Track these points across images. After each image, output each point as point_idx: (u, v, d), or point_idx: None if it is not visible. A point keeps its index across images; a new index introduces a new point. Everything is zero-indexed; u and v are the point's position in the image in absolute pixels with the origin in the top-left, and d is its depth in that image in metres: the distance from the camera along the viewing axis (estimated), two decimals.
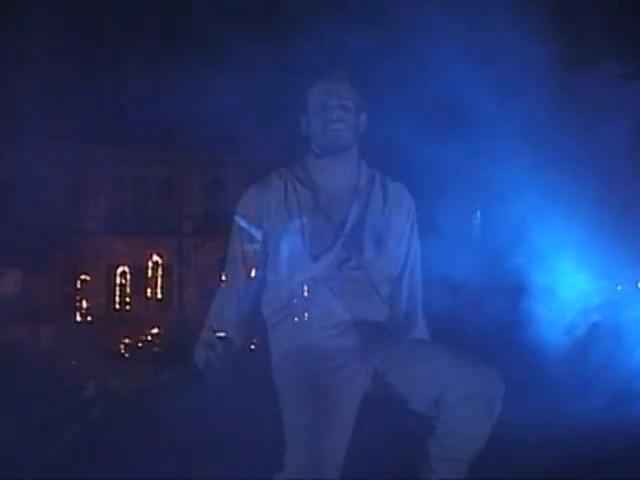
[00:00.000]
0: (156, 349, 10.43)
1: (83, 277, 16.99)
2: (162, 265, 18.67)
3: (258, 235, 2.98)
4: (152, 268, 18.17)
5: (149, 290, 17.53)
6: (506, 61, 6.01)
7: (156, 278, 18.17)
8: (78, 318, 13.06)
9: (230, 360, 2.95)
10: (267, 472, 2.55)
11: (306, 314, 2.87)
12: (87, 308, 14.51)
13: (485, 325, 7.12)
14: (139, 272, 17.91)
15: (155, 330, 11.87)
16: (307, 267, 2.88)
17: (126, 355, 10.07)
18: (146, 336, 11.70)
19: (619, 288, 8.17)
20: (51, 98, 15.75)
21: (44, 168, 15.89)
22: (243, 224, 2.98)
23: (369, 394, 2.80)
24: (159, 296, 17.56)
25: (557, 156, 6.64)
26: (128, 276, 17.78)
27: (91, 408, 4.97)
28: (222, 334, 2.93)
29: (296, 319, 2.88)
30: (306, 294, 2.87)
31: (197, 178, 21.60)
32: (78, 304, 14.86)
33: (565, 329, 6.17)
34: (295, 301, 2.91)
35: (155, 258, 18.21)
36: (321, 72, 2.97)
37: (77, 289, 16.18)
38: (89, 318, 11.28)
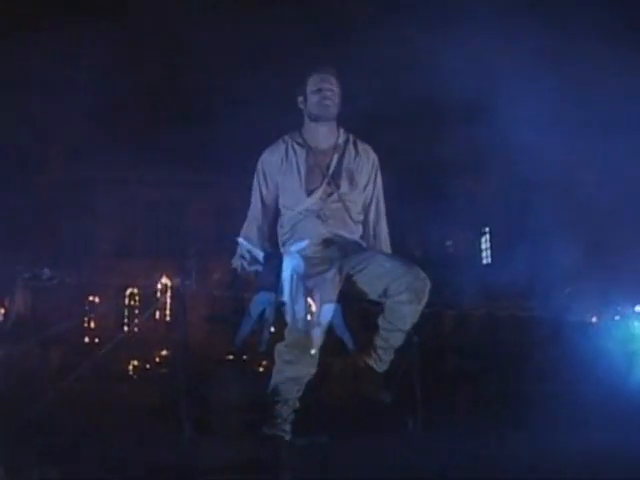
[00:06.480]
0: (164, 371, 10.40)
1: (91, 298, 16.98)
2: (171, 287, 18.65)
3: (271, 182, 4.38)
4: (161, 290, 18.14)
5: (158, 312, 17.50)
6: None
7: (165, 300, 18.13)
8: (86, 340, 13.03)
9: (254, 262, 4.14)
10: None
11: (302, 235, 4.18)
12: (95, 329, 14.48)
13: None
14: (148, 294, 17.90)
15: (164, 352, 11.85)
16: (304, 200, 4.23)
17: (134, 377, 10.04)
18: (154, 358, 11.66)
19: None
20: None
21: (56, 190, 15.97)
22: (261, 175, 4.40)
23: (342, 289, 4.03)
24: (168, 318, 17.55)
25: None
26: (137, 298, 17.76)
27: None
28: (250, 245, 4.18)
29: (295, 238, 4.18)
30: (302, 222, 4.24)
31: (209, 200, 21.63)
32: (86, 325, 14.84)
33: None
34: (295, 226, 4.24)
35: (164, 280, 18.19)
36: (316, 68, 4.35)
37: (85, 310, 16.16)
38: (97, 340, 11.23)
